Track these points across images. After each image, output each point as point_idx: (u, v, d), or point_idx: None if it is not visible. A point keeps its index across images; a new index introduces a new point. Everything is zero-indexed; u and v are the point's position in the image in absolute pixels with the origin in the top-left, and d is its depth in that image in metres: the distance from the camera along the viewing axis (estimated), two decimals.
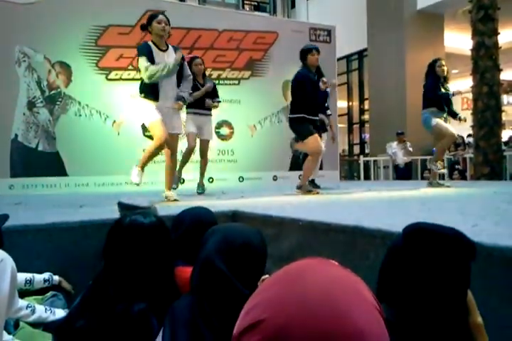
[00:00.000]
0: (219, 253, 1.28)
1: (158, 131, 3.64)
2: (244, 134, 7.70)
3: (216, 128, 7.56)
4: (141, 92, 3.76)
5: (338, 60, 8.53)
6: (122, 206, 2.22)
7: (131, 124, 6.67)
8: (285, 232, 2.25)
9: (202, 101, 5.04)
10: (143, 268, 1.48)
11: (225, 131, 7.61)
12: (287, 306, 0.53)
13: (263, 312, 0.54)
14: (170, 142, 3.79)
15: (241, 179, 7.61)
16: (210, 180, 7.31)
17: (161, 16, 3.80)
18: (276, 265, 1.68)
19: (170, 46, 3.91)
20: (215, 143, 7.48)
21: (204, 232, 1.43)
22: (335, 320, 0.51)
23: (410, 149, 9.34)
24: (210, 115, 5.22)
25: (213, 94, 5.19)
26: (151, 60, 3.67)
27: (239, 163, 7.58)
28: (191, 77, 4.14)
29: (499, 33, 7.76)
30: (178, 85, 3.94)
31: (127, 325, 1.35)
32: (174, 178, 4.50)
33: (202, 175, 5.24)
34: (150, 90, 3.72)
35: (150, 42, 3.79)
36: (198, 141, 5.11)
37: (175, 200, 3.71)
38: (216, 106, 5.19)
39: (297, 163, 8.09)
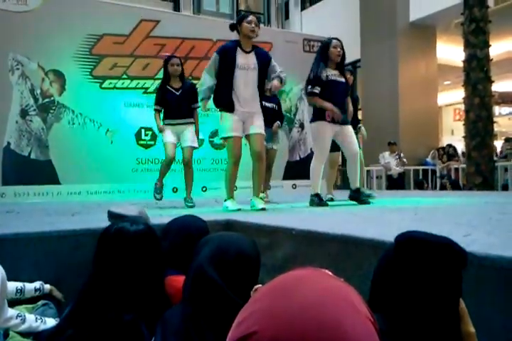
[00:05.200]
0: (212, 263, 1.27)
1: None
2: None
3: (210, 137, 7.56)
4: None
5: None
6: (112, 215, 2.21)
7: (124, 133, 6.68)
8: (279, 241, 2.24)
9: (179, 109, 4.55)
10: (131, 276, 1.46)
11: (218, 139, 7.62)
12: (278, 318, 0.52)
13: (254, 324, 0.53)
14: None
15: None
16: (204, 189, 7.30)
17: (251, 17, 3.69)
18: (269, 274, 1.67)
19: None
20: (208, 152, 7.50)
21: (193, 240, 1.41)
22: (325, 332, 0.51)
23: (405, 160, 9.35)
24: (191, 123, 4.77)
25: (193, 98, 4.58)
26: (232, 60, 3.62)
27: None
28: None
29: (490, 46, 7.86)
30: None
31: (117, 334, 1.34)
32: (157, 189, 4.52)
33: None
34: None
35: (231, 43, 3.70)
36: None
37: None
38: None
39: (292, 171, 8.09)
